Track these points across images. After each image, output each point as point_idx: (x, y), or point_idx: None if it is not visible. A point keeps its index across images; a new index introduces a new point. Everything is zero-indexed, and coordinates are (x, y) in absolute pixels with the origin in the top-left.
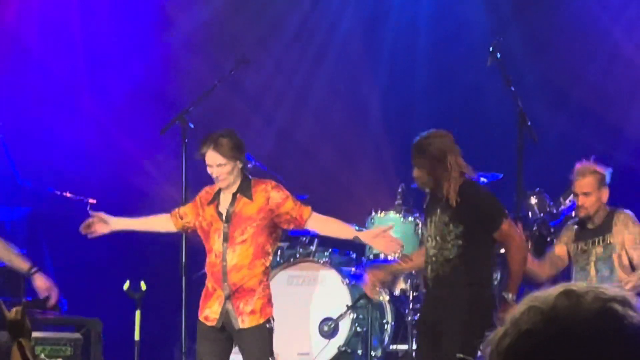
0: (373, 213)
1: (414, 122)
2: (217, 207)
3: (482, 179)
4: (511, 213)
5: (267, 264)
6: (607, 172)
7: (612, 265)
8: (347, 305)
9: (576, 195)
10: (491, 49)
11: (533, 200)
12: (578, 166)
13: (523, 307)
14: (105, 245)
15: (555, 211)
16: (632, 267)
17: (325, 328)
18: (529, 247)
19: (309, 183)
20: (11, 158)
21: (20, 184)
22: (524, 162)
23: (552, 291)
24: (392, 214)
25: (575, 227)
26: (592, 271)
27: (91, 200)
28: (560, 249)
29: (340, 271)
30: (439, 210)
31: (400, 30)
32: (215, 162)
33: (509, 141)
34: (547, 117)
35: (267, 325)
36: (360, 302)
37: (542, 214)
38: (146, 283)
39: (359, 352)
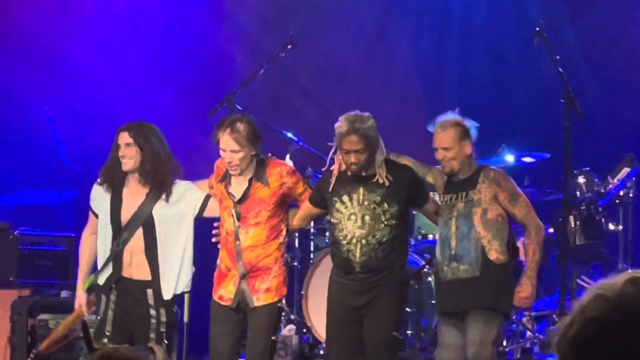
0: None
1: (462, 102)
2: (226, 186)
3: (530, 159)
4: (559, 193)
5: (282, 239)
6: (471, 126)
7: (472, 222)
8: None
9: (436, 149)
10: (538, 28)
11: (581, 179)
12: (438, 119)
13: (590, 295)
14: None
15: (603, 190)
16: (508, 224)
17: None
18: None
19: None
20: (59, 142)
21: (68, 167)
22: (571, 142)
23: (619, 278)
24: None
25: (444, 179)
26: (453, 227)
27: None
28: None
29: None
30: (362, 189)
31: (449, 10)
32: (229, 147)
33: (557, 121)
34: (595, 96)
35: (279, 305)
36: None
37: (589, 194)
38: (195, 265)
39: (408, 332)
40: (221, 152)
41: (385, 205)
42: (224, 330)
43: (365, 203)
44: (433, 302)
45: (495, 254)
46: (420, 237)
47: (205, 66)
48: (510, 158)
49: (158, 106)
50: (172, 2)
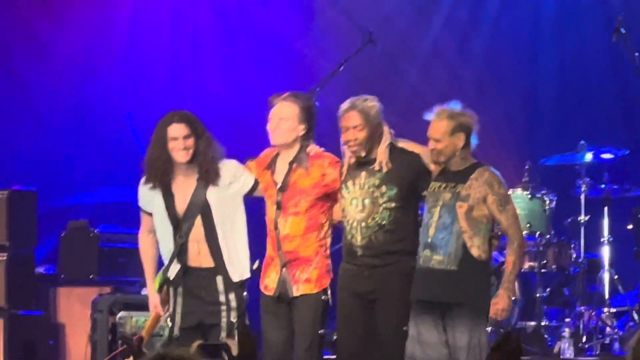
0: None
1: (540, 100)
2: (272, 174)
3: (609, 155)
4: (639, 189)
5: (323, 234)
6: (471, 119)
7: (455, 214)
8: None
9: (429, 139)
10: (616, 25)
11: None
12: (436, 107)
13: None
14: None
15: None
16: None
17: None
18: None
19: None
20: (139, 138)
21: None
22: None
23: None
24: (519, 191)
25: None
26: (436, 215)
27: None
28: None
29: None
30: (364, 173)
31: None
32: (281, 114)
33: (637, 117)
34: None
35: (323, 297)
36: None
37: None
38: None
39: (488, 328)
40: (269, 122)
41: (384, 187)
42: (275, 324)
43: (366, 187)
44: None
45: (477, 251)
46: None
47: (285, 64)
48: (589, 155)
49: (236, 105)
50: (251, 2)
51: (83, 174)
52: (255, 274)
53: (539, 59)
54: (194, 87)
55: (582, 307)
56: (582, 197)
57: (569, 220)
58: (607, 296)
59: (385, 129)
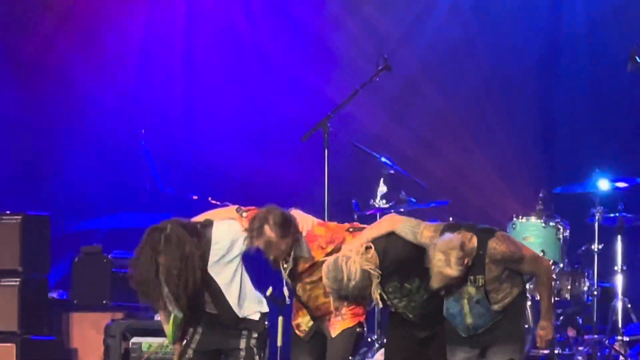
0: (514, 218)
1: (555, 129)
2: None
3: (624, 184)
4: None
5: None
6: (470, 242)
7: (487, 304)
8: None
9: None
10: (630, 52)
11: None
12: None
13: None
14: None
15: None
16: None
17: None
18: None
19: (450, 188)
20: (153, 165)
21: (162, 191)
22: None
23: None
24: (533, 219)
25: None
26: (466, 307)
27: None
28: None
29: None
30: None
31: (538, 35)
32: (266, 250)
33: None
34: None
35: (358, 330)
36: None
37: None
38: (288, 289)
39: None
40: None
41: (407, 285)
42: (307, 349)
43: (390, 290)
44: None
45: (516, 290)
46: None
47: (299, 90)
48: (603, 183)
49: (251, 131)
50: (265, 28)
51: (97, 199)
52: (269, 302)
53: (555, 87)
54: (206, 116)
55: (596, 336)
56: (596, 225)
57: (583, 248)
58: (620, 325)
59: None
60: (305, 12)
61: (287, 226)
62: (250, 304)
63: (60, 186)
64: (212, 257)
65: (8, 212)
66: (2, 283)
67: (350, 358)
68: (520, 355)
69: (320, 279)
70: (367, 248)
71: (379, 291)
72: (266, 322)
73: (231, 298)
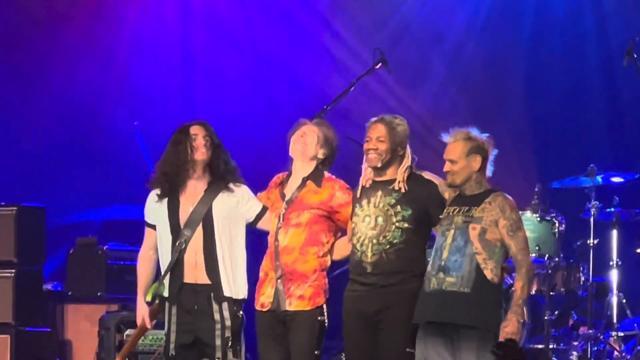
0: None
1: (550, 124)
2: (282, 189)
3: (619, 179)
4: None
5: (322, 254)
6: (487, 143)
7: (468, 237)
8: None
9: (445, 160)
10: (627, 48)
11: None
12: (455, 129)
13: None
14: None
15: None
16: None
17: None
18: None
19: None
20: (148, 156)
21: None
22: None
23: None
24: (528, 213)
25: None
26: (449, 238)
27: None
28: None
29: None
30: (380, 192)
31: (531, 31)
32: (305, 132)
33: None
34: None
35: (319, 318)
36: None
37: None
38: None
39: None
40: (294, 135)
41: (399, 207)
42: (272, 345)
43: (380, 205)
44: None
45: (490, 274)
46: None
47: (296, 83)
48: (599, 178)
49: (248, 123)
50: (261, 21)
51: (92, 191)
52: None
53: (550, 82)
54: (202, 106)
55: (590, 331)
56: (592, 220)
57: (578, 243)
58: (615, 320)
59: (408, 152)
60: (301, 4)
61: (331, 143)
62: (235, 282)
63: (55, 177)
64: (223, 193)
65: (3, 203)
66: None
67: (316, 352)
68: (489, 343)
69: (307, 221)
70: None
71: (403, 181)
72: (241, 313)
73: (223, 265)
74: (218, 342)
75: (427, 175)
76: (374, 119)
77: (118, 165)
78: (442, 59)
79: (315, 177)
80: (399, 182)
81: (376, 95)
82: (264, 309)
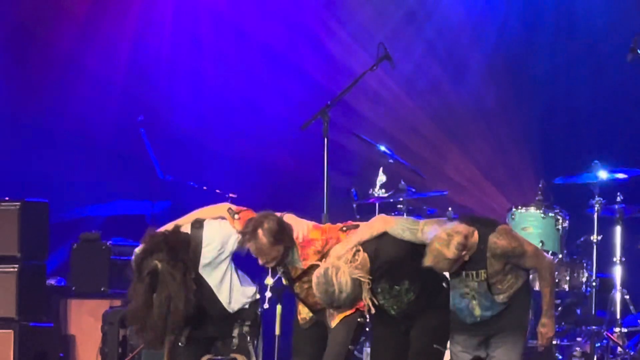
0: (514, 209)
1: (554, 120)
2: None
3: (623, 175)
4: None
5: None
6: (468, 235)
7: (491, 297)
8: None
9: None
10: (631, 45)
11: None
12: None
13: None
14: None
15: None
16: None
17: None
18: None
19: (449, 178)
20: (152, 152)
21: (161, 178)
22: None
23: None
24: (532, 209)
25: None
26: (474, 301)
27: (231, 195)
28: None
29: None
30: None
31: (537, 28)
32: (253, 251)
33: None
34: None
35: (359, 319)
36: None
37: None
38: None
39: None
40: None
41: (396, 287)
42: (305, 338)
43: (379, 290)
44: None
45: (521, 280)
46: None
47: (299, 79)
48: (602, 174)
49: (251, 120)
50: (267, 16)
51: (95, 186)
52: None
53: (555, 77)
54: (207, 105)
55: (594, 327)
56: (595, 216)
57: (582, 239)
58: (618, 316)
59: (364, 285)
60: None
61: (281, 234)
62: (240, 297)
63: (59, 173)
64: (203, 259)
65: (7, 198)
66: (0, 269)
67: (350, 347)
68: (522, 345)
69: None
70: (357, 252)
71: (369, 296)
72: (259, 310)
73: (222, 297)
74: (236, 335)
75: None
76: (324, 304)
77: (122, 161)
78: (446, 50)
79: (292, 263)
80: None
81: (380, 90)
82: (300, 320)
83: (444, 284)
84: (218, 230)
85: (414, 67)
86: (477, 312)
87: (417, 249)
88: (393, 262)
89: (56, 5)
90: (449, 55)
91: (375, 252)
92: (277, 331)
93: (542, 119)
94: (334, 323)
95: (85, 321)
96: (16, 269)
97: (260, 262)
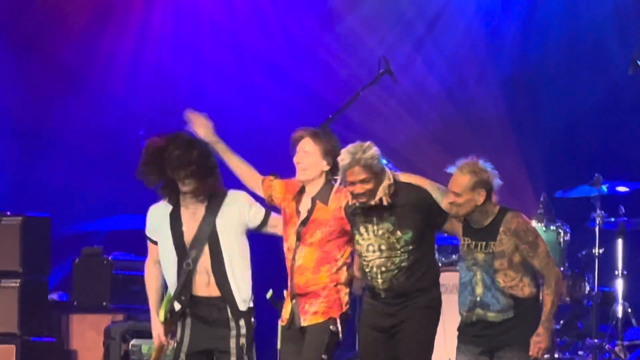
0: None
1: (556, 133)
2: (297, 204)
3: (624, 188)
4: None
5: (335, 270)
6: (493, 176)
7: (494, 274)
8: None
9: (450, 192)
10: (633, 57)
11: None
12: (461, 160)
13: None
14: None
15: None
16: (522, 272)
17: None
18: None
19: None
20: None
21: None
22: None
23: None
24: (534, 222)
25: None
26: (478, 274)
27: None
28: (452, 225)
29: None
30: (375, 218)
31: (550, 35)
32: (304, 148)
33: None
34: None
35: (332, 327)
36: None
37: None
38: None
39: None
40: (295, 156)
41: (399, 232)
42: (293, 349)
43: (380, 233)
44: None
45: (528, 289)
46: None
47: (301, 92)
48: (604, 187)
49: (253, 133)
50: (269, 30)
51: (97, 201)
52: (267, 303)
53: (556, 93)
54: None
55: (596, 340)
56: (597, 229)
57: (584, 252)
58: (620, 329)
59: (386, 171)
60: (307, 15)
61: (335, 153)
62: (246, 293)
63: (60, 187)
64: (222, 214)
65: (8, 213)
66: (2, 284)
67: (324, 356)
68: (527, 352)
69: (319, 240)
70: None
71: (386, 193)
72: (253, 319)
73: (234, 280)
74: (233, 349)
75: (411, 179)
76: (346, 159)
77: (123, 175)
78: (448, 65)
79: (323, 194)
80: (383, 197)
81: (381, 103)
82: (281, 322)
83: (435, 260)
84: (244, 196)
85: (413, 82)
86: (479, 289)
87: (435, 216)
88: (411, 205)
89: (58, 18)
90: (449, 69)
91: (404, 186)
92: (279, 345)
93: (544, 132)
94: (303, 321)
95: (88, 336)
96: (18, 284)
97: (300, 169)
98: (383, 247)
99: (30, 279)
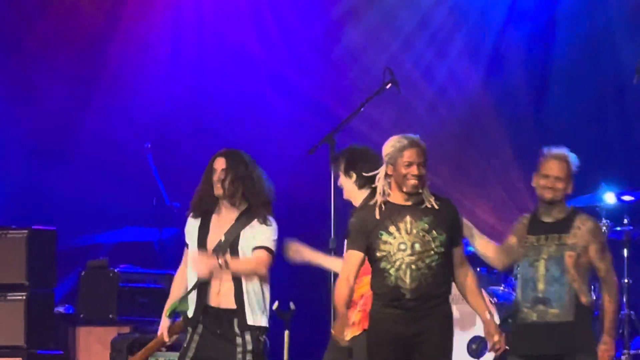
0: None
1: (561, 142)
2: None
3: (630, 197)
4: None
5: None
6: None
7: (564, 266)
8: None
9: (546, 176)
10: (637, 66)
11: None
12: (554, 149)
13: None
14: None
15: None
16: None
17: (474, 346)
18: None
19: (453, 200)
20: (160, 179)
21: (169, 205)
22: None
23: None
24: None
25: (528, 219)
26: (542, 269)
27: None
28: (513, 239)
29: (488, 290)
30: (409, 217)
31: (552, 46)
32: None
33: None
34: None
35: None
36: (509, 321)
37: None
38: (295, 303)
39: None
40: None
41: (434, 232)
42: (335, 356)
43: (414, 231)
44: None
45: (585, 298)
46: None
47: (306, 103)
48: (610, 196)
49: (258, 145)
50: (274, 42)
51: (103, 213)
52: (276, 316)
53: (560, 99)
54: (213, 130)
55: None
56: None
57: None
58: (626, 338)
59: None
60: (313, 25)
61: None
62: (258, 308)
63: (66, 200)
64: (251, 228)
65: (14, 226)
66: (8, 297)
67: None
68: None
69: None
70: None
71: (430, 197)
72: (264, 337)
73: (247, 296)
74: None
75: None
76: (404, 141)
77: (129, 188)
78: (449, 71)
79: None
80: (429, 201)
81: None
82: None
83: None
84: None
85: (413, 91)
86: (541, 285)
87: (456, 230)
88: (443, 211)
89: (62, 31)
90: (452, 74)
91: (435, 194)
92: (286, 357)
93: (548, 141)
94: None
95: (94, 348)
96: (24, 297)
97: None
98: (417, 246)
99: (37, 292)
